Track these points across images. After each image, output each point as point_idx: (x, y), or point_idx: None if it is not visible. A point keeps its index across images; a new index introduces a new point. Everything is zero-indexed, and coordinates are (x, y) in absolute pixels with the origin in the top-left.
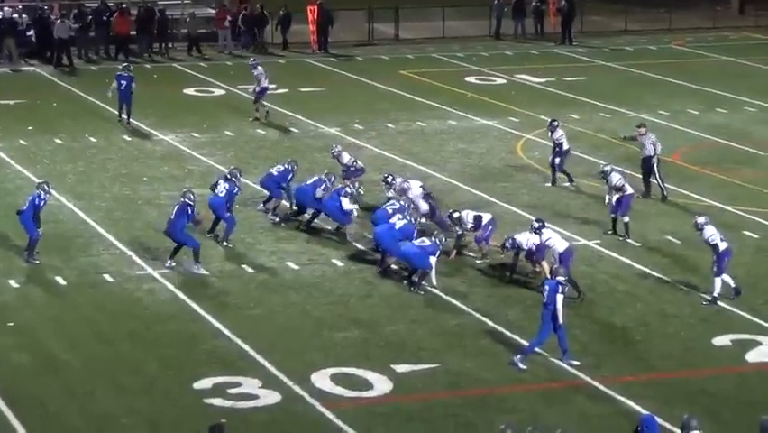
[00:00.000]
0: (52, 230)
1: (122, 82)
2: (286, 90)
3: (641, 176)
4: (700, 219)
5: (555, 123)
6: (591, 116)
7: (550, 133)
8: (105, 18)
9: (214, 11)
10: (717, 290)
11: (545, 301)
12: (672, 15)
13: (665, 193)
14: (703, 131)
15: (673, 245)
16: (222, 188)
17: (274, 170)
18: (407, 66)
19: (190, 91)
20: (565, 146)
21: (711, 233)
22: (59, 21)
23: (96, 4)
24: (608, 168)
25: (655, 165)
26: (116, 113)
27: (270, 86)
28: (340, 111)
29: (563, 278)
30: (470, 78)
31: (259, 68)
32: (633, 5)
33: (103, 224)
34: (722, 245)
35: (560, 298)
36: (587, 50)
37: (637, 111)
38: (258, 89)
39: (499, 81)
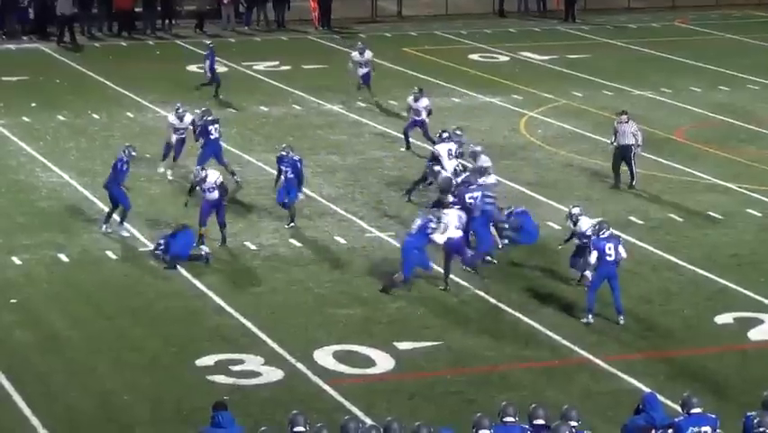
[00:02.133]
0: (55, 207)
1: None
2: (288, 67)
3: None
4: (575, 210)
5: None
6: (594, 94)
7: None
8: None
9: None
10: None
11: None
12: None
13: (634, 182)
14: (706, 108)
15: (675, 223)
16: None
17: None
18: (410, 43)
19: (193, 68)
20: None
21: (587, 225)
22: None
23: None
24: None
25: (633, 156)
26: (119, 89)
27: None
28: (342, 88)
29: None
30: (474, 56)
31: (367, 52)
32: None
33: (105, 201)
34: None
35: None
36: (590, 27)
37: (640, 89)
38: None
39: (503, 58)
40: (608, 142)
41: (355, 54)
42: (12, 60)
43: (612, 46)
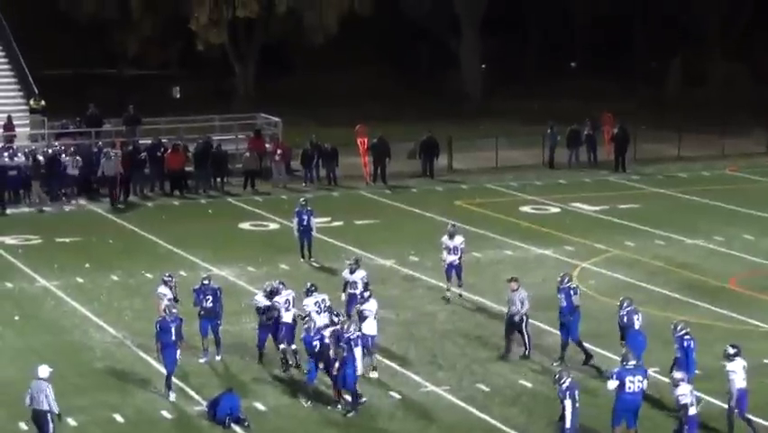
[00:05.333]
0: (109, 367)
1: (303, 218)
2: (340, 223)
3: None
4: (677, 375)
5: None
6: (646, 244)
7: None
8: (158, 154)
9: (268, 145)
10: None
11: None
12: (726, 141)
13: (528, 352)
14: (759, 256)
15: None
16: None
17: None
18: (462, 196)
19: (246, 226)
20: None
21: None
22: (103, 158)
23: (150, 141)
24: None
25: (524, 322)
26: (171, 248)
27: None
28: (395, 243)
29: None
30: (525, 208)
31: (458, 237)
32: (686, 132)
33: (160, 360)
34: (691, 410)
35: None
36: (641, 177)
37: (692, 237)
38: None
39: (554, 210)
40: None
41: (445, 238)
42: (65, 221)
43: (663, 195)
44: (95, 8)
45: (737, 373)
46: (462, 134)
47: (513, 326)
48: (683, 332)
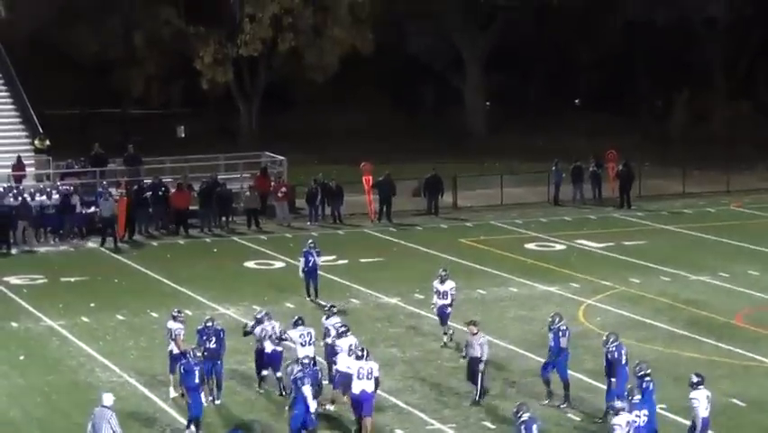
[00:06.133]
0: (116, 407)
1: (309, 259)
2: (345, 261)
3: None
4: (618, 404)
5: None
6: (652, 280)
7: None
8: (160, 193)
9: (273, 183)
10: None
11: None
12: (730, 177)
13: (478, 398)
14: (765, 292)
15: (737, 408)
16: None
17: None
18: (467, 234)
19: (251, 264)
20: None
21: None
22: (102, 199)
23: (150, 180)
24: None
25: (482, 370)
26: (176, 287)
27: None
28: (400, 281)
29: None
30: (530, 245)
31: (449, 282)
32: (690, 168)
33: (166, 400)
34: None
35: None
36: (645, 213)
37: (697, 274)
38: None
39: (559, 247)
40: (461, 355)
41: (436, 282)
42: (70, 261)
43: (668, 231)
44: (98, 47)
45: (701, 402)
46: (466, 172)
47: (474, 372)
48: (614, 345)
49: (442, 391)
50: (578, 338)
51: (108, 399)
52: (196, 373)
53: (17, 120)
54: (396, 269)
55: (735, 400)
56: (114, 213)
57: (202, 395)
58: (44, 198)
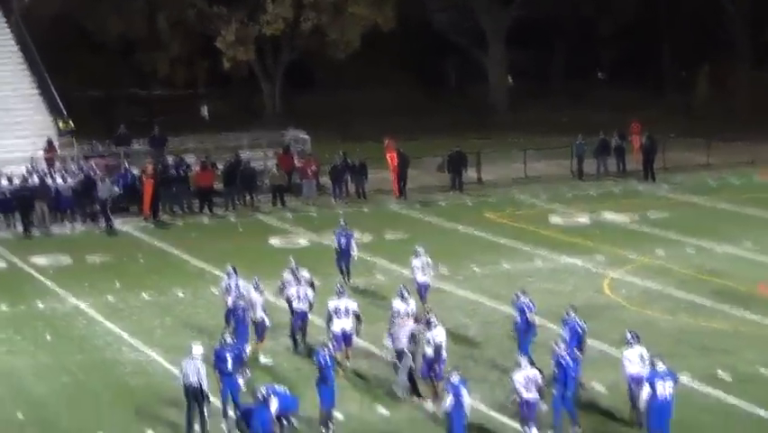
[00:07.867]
0: (143, 385)
1: (341, 240)
2: (371, 238)
3: None
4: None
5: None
6: (677, 252)
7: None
8: (182, 172)
9: (297, 161)
10: None
11: None
12: (754, 148)
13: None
14: None
15: (765, 377)
16: None
17: None
18: (491, 209)
19: (276, 242)
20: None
21: None
22: (99, 181)
23: (172, 159)
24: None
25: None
26: (202, 266)
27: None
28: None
29: None
30: (555, 219)
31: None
32: (714, 140)
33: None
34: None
35: None
36: (670, 185)
37: (722, 245)
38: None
39: (583, 220)
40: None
41: (413, 259)
42: (95, 241)
43: (692, 203)
44: (123, 28)
45: (632, 362)
46: (490, 147)
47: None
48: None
49: (468, 365)
50: (602, 310)
51: (198, 349)
52: (228, 358)
53: (41, 102)
54: (421, 245)
55: (761, 369)
56: (110, 195)
57: (239, 380)
58: (60, 180)
